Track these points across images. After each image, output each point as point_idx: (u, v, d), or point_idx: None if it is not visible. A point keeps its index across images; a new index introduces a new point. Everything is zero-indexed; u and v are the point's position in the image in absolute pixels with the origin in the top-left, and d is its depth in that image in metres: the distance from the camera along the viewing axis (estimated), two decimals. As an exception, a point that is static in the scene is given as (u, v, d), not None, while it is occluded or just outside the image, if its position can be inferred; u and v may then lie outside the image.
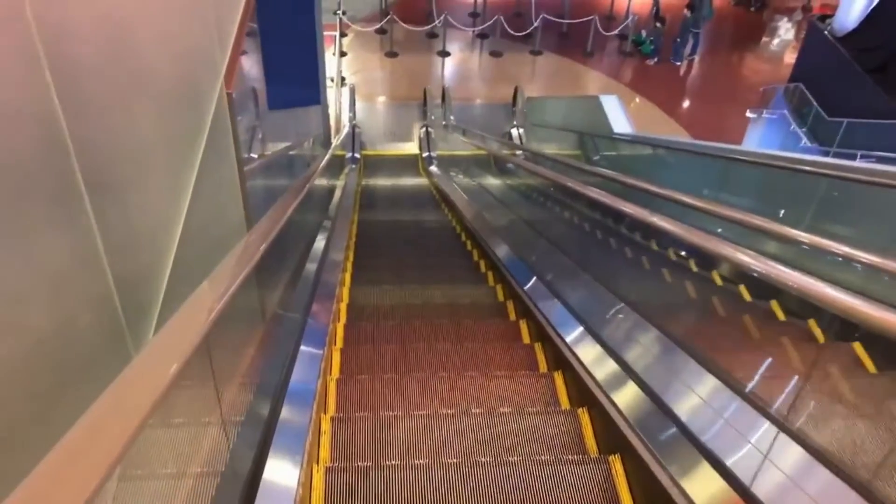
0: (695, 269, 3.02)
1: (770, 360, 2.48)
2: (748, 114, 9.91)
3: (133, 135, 1.69)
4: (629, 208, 2.90)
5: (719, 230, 2.82)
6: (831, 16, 10.70)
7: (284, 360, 2.68)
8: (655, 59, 14.29)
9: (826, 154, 7.75)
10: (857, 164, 3.14)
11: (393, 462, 2.40)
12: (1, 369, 1.16)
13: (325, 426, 2.58)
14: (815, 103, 8.71)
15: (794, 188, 3.50)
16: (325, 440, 2.55)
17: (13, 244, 1.18)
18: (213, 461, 1.54)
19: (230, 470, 1.65)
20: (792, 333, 2.54)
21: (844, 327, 2.17)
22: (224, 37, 2.79)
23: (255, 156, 3.80)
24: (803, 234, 2.26)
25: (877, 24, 9.37)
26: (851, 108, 8.25)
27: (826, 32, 10.25)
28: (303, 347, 2.90)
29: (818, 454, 1.72)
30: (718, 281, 2.92)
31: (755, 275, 1.83)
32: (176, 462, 1.38)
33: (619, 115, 7.10)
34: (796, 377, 2.23)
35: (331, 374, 3.19)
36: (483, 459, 2.39)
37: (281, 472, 1.93)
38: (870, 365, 2.22)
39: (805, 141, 8.47)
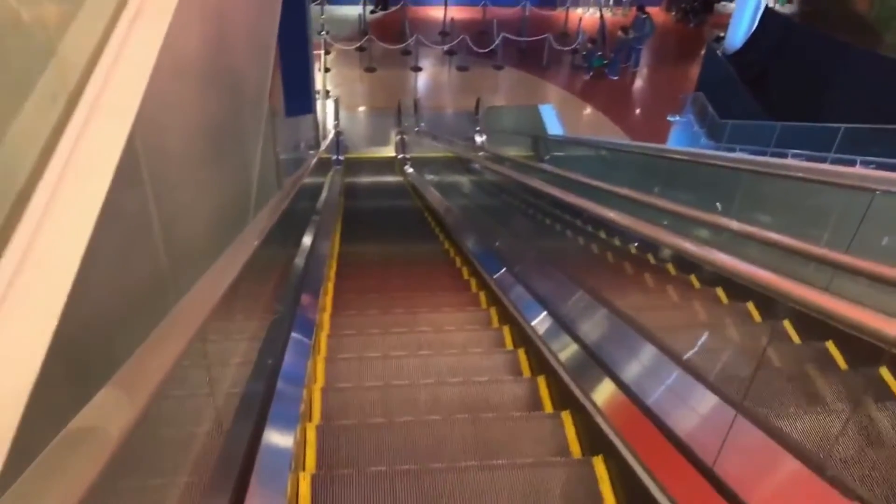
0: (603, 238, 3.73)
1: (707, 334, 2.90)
2: (668, 118, 11.76)
3: (240, 123, 3.35)
4: (553, 190, 4.02)
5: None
6: (724, 37, 12.81)
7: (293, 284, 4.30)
8: (603, 72, 16.13)
9: (717, 148, 9.55)
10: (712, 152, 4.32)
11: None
12: (167, 261, 2.80)
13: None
14: (710, 108, 10.56)
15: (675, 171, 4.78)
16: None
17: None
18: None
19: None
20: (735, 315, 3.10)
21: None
22: (266, 64, 4.46)
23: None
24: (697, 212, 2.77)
25: (754, 45, 11.44)
26: (736, 112, 10.12)
27: (718, 52, 12.33)
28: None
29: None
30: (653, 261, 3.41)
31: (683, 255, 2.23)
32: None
33: (553, 121, 8.81)
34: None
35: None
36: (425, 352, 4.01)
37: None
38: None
39: (704, 139, 10.29)
